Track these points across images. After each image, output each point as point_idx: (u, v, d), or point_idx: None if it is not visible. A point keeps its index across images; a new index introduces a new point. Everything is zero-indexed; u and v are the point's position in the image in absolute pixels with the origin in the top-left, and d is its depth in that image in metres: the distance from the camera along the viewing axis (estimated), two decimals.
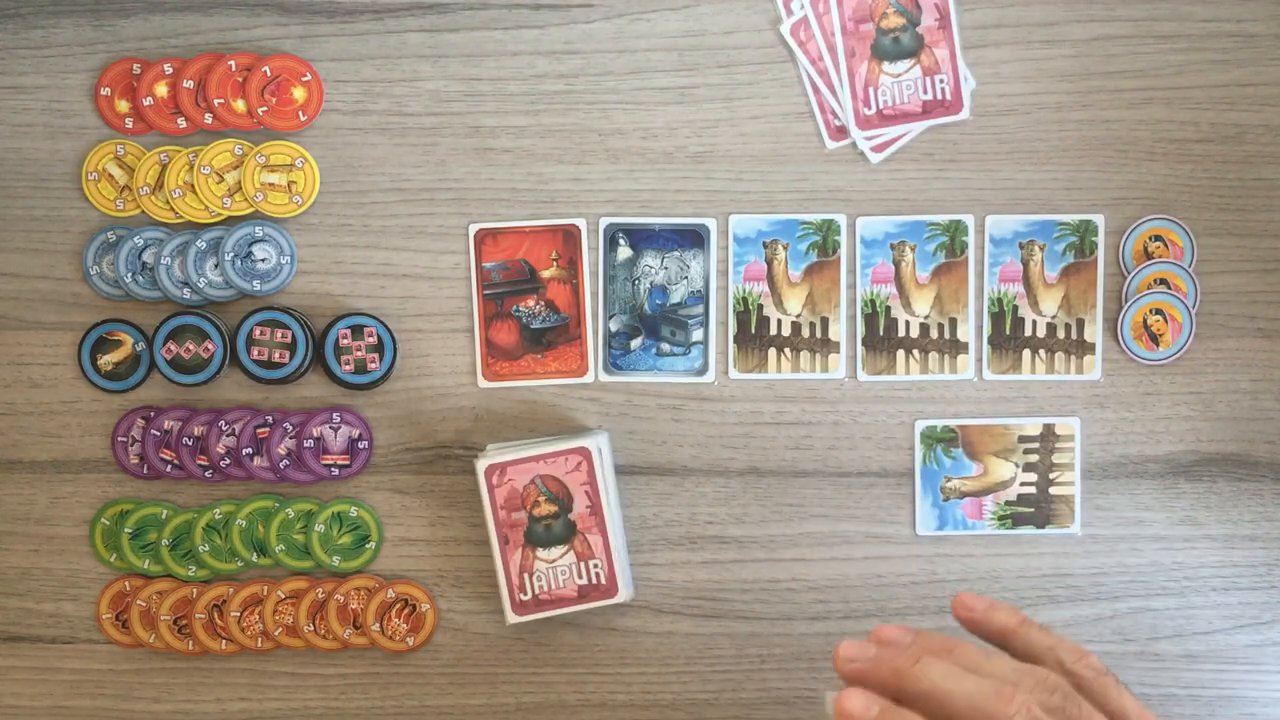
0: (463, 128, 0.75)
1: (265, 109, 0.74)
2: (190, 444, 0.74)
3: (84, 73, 0.75)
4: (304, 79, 0.74)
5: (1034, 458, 0.75)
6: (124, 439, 0.75)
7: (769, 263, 0.75)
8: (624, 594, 0.71)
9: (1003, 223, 0.74)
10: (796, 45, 0.72)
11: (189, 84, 0.74)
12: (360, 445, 0.75)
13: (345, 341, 0.74)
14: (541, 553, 0.71)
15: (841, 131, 0.74)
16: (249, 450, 0.74)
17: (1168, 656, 0.74)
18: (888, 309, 0.75)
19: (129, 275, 0.74)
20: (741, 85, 0.74)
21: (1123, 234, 0.74)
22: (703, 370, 0.75)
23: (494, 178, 0.75)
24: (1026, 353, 0.75)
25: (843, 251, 0.75)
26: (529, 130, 0.75)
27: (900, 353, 0.75)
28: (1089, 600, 0.74)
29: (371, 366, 0.74)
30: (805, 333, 0.75)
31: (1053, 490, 0.75)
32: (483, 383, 0.75)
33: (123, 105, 0.75)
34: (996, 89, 0.74)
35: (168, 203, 0.74)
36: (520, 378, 0.75)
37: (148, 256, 0.74)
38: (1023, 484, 0.75)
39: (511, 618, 0.71)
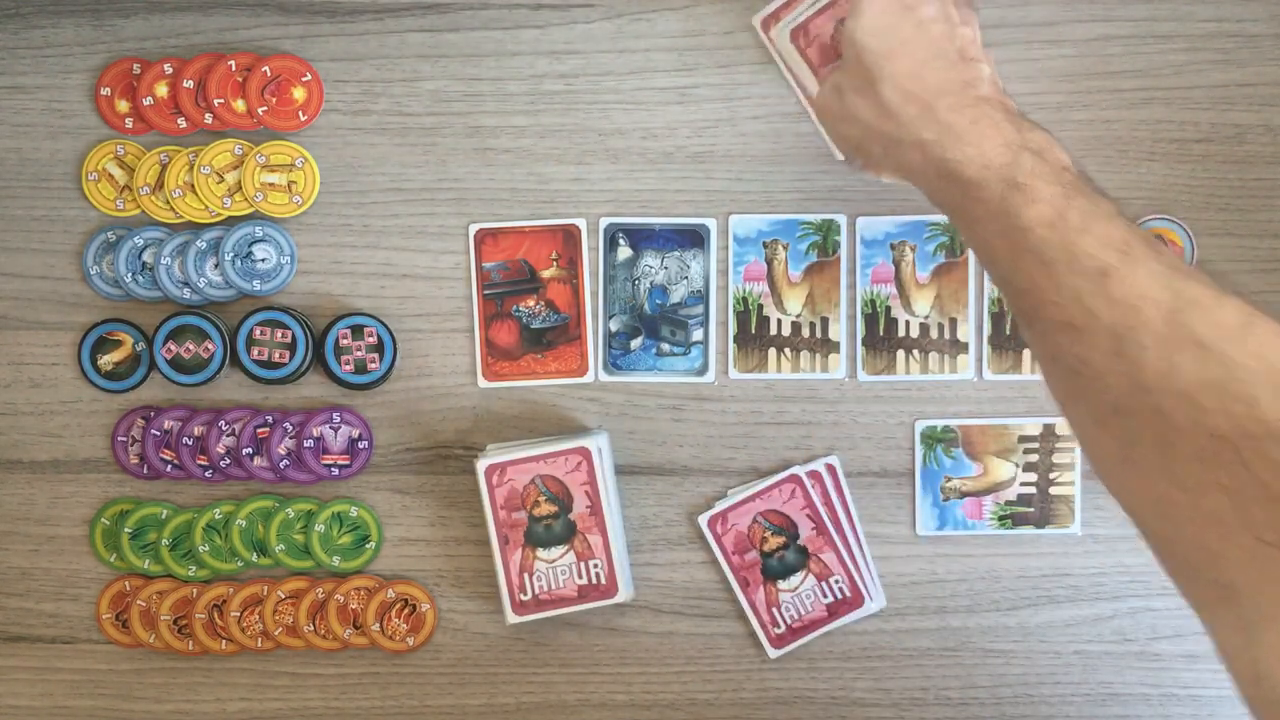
0: (463, 128, 0.75)
1: (265, 109, 0.74)
2: (190, 444, 0.74)
3: (84, 73, 0.75)
4: (304, 79, 0.74)
5: (1034, 458, 0.75)
6: (124, 439, 0.75)
7: (769, 263, 0.75)
8: (624, 594, 0.71)
9: None
10: (773, 44, 0.73)
11: (189, 84, 0.74)
12: (360, 445, 0.75)
13: (345, 341, 0.74)
14: (541, 553, 0.71)
15: None
16: (249, 450, 0.74)
17: (1168, 656, 0.74)
18: (888, 309, 0.75)
19: (129, 275, 0.74)
20: (741, 85, 0.74)
21: None
22: (703, 370, 0.75)
23: (494, 178, 0.75)
24: (1027, 352, 0.75)
25: (843, 251, 0.75)
26: (529, 130, 0.75)
27: (900, 353, 0.75)
28: (1089, 600, 0.74)
29: (371, 366, 0.74)
30: (805, 333, 0.75)
31: (1053, 490, 0.75)
32: (483, 383, 0.75)
33: (123, 105, 0.75)
34: None
35: (168, 203, 0.74)
36: (520, 378, 0.75)
37: (148, 256, 0.74)
38: (1023, 484, 0.75)
39: (511, 618, 0.71)
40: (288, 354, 0.74)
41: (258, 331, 0.74)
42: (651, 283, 0.75)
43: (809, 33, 0.69)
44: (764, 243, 0.75)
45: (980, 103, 0.57)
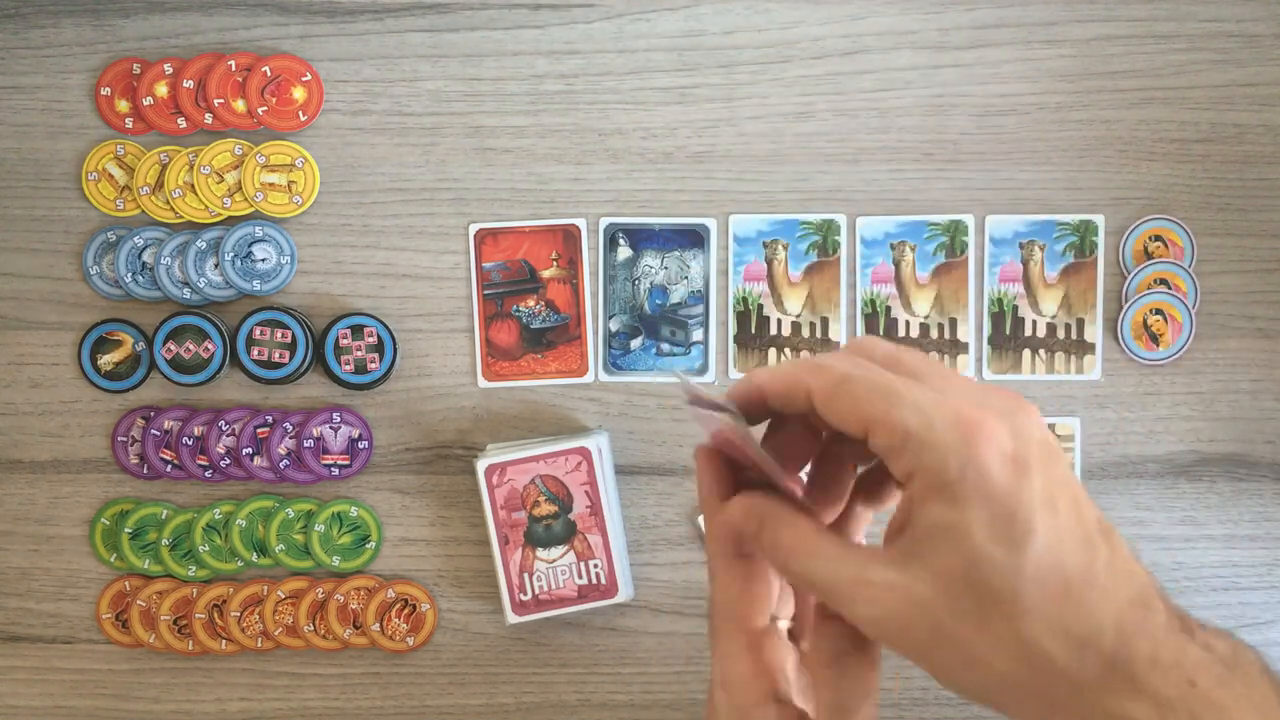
0: (463, 128, 0.75)
1: (265, 109, 0.74)
2: (190, 444, 0.74)
3: (84, 73, 0.75)
4: (304, 79, 0.74)
5: None
6: (124, 439, 0.75)
7: (769, 263, 0.75)
8: (624, 594, 0.71)
9: (1003, 223, 0.74)
10: None
11: (189, 84, 0.74)
12: (360, 445, 0.75)
13: (345, 341, 0.74)
14: (541, 553, 0.71)
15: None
16: (249, 450, 0.74)
17: None
18: (888, 309, 0.75)
19: (129, 275, 0.74)
20: (741, 85, 0.74)
21: (1123, 234, 0.74)
22: (703, 370, 0.75)
23: (494, 178, 0.75)
24: (1026, 353, 0.75)
25: (843, 251, 0.75)
26: (529, 130, 0.75)
27: None
28: None
29: (371, 366, 0.74)
30: (805, 333, 0.75)
31: None
32: (483, 383, 0.75)
33: (123, 105, 0.75)
34: (996, 89, 0.74)
35: (168, 203, 0.74)
36: (520, 378, 0.75)
37: (148, 256, 0.74)
38: None
39: (511, 618, 0.71)
40: (288, 354, 0.74)
41: (258, 331, 0.74)
42: (651, 283, 0.75)
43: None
44: (764, 243, 0.75)
45: (1186, 646, 0.38)
